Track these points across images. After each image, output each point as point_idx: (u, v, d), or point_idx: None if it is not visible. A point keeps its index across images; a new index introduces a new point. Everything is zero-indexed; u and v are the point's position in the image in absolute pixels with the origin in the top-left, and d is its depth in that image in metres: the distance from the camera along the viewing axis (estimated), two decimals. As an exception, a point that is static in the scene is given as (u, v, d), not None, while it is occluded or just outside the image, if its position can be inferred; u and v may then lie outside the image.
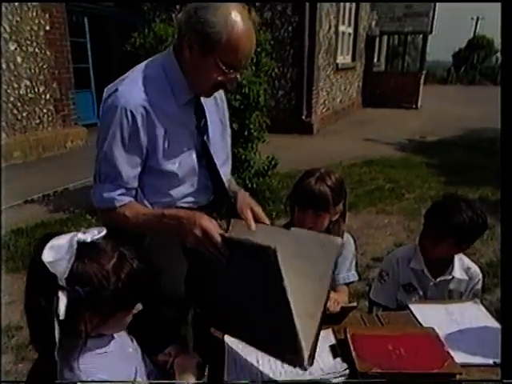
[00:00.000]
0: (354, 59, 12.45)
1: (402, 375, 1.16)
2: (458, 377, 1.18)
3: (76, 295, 0.96)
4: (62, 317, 0.94)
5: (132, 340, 1.21)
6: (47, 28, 6.86)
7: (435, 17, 13.80)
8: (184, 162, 1.39)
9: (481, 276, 1.83)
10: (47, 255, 0.95)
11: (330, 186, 1.64)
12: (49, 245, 0.96)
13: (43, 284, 0.97)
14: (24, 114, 6.71)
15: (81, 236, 1.00)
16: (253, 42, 1.29)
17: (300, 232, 1.32)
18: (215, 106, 1.51)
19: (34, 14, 6.64)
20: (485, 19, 39.68)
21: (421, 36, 14.58)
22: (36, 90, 6.84)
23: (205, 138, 1.44)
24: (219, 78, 1.30)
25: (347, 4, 11.15)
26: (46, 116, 7.08)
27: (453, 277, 1.78)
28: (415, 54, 21.12)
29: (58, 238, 0.98)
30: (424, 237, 1.80)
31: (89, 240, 1.00)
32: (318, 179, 1.64)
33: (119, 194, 1.34)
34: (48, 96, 7.06)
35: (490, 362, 1.27)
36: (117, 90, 1.30)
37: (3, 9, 6.06)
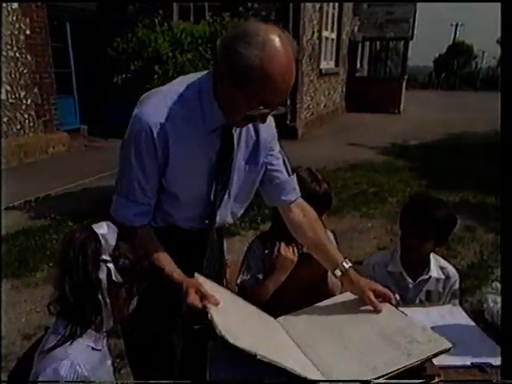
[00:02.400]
0: (337, 64, 12.57)
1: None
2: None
3: (119, 266, 1.12)
4: (105, 286, 1.10)
5: (110, 358, 1.25)
6: (28, 32, 6.78)
7: (416, 23, 14.09)
8: (191, 188, 1.37)
9: (457, 276, 1.87)
10: (99, 229, 1.12)
11: (325, 181, 1.68)
12: (103, 223, 1.15)
13: (89, 257, 1.09)
14: (5, 120, 6.61)
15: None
16: (290, 77, 1.18)
17: (415, 319, 1.40)
18: (253, 139, 1.43)
19: (15, 18, 6.56)
20: (464, 25, 40.57)
21: (402, 42, 14.82)
22: (17, 95, 6.75)
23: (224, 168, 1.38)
24: (249, 113, 1.23)
25: (330, 10, 11.28)
26: (27, 121, 6.99)
27: (430, 276, 1.80)
28: (397, 59, 21.46)
29: (106, 222, 1.18)
30: (408, 238, 1.79)
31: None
32: (315, 180, 1.66)
33: (134, 214, 1.33)
34: (29, 101, 6.97)
35: (468, 363, 1.29)
36: (146, 103, 1.29)
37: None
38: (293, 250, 1.65)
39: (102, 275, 1.08)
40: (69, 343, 1.07)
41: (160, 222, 1.41)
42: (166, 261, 1.33)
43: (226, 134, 1.35)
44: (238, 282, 1.71)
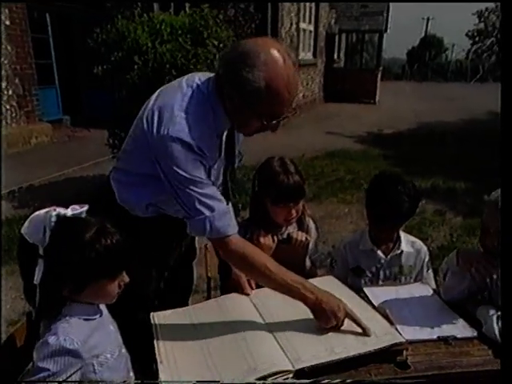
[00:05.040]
0: (315, 56, 12.76)
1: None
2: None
3: (52, 263, 1.03)
4: (36, 282, 1.03)
5: (113, 322, 1.26)
6: (7, 23, 6.72)
7: (389, 16, 14.42)
8: None
9: (425, 248, 1.92)
10: (26, 227, 1.04)
11: (297, 171, 1.72)
12: (29, 218, 1.06)
13: (26, 253, 1.06)
14: (-14, 111, 6.57)
15: (60, 210, 1.07)
16: (294, 88, 1.25)
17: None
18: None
19: (-7, 8, 6.51)
20: (435, 19, 41.36)
21: (377, 34, 15.12)
22: (-2, 85, 6.70)
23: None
24: (261, 127, 1.32)
25: (307, 3, 11.44)
26: (9, 112, 6.94)
27: (402, 251, 1.84)
28: (372, 51, 21.80)
29: (37, 212, 1.06)
30: (380, 227, 1.81)
31: (69, 214, 1.08)
32: (285, 172, 1.68)
33: (233, 221, 1.38)
34: (10, 92, 6.92)
35: (434, 337, 1.37)
36: (174, 121, 1.28)
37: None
38: (272, 236, 1.73)
39: (38, 271, 1.05)
40: (58, 321, 1.07)
41: (150, 213, 1.47)
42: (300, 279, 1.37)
43: (229, 136, 1.44)
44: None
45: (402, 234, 1.88)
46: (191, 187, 1.30)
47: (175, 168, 1.28)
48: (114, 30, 4.25)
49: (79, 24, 8.45)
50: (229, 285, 1.63)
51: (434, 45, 36.11)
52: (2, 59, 6.73)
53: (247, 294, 1.54)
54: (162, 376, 1.18)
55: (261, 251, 1.41)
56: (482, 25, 38.98)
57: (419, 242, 1.93)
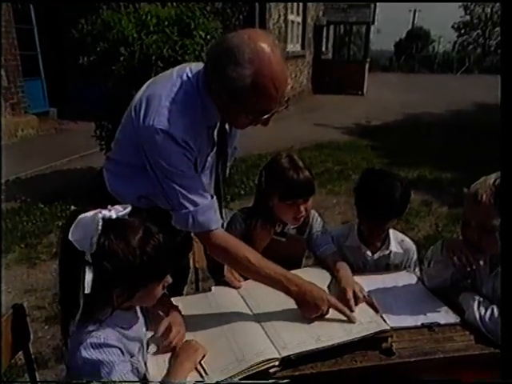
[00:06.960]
0: (303, 47, 12.78)
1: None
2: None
3: (103, 270, 0.99)
4: (87, 291, 0.97)
5: (145, 323, 1.24)
6: (-10, 14, 6.62)
7: (376, 8, 14.51)
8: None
9: (414, 247, 1.90)
10: (73, 233, 0.99)
11: (306, 167, 1.68)
12: (75, 223, 0.99)
13: (73, 260, 1.00)
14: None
15: (105, 213, 1.02)
16: (282, 82, 1.23)
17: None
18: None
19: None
20: (422, 11, 41.72)
21: (365, 26, 15.16)
22: (-18, 77, 6.60)
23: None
24: (251, 121, 1.32)
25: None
26: (-6, 104, 6.86)
27: (390, 251, 1.83)
28: (360, 43, 21.87)
29: (83, 215, 1.00)
30: (370, 224, 1.78)
31: (114, 216, 1.03)
32: (295, 168, 1.65)
33: (216, 215, 1.38)
34: (-5, 84, 6.84)
35: (419, 323, 1.39)
36: (159, 112, 1.26)
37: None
38: (269, 227, 1.73)
39: (87, 279, 0.99)
40: (94, 327, 1.04)
41: (142, 205, 1.44)
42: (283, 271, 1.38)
43: (220, 128, 1.43)
44: None
45: (391, 233, 1.86)
46: (174, 180, 1.30)
47: (159, 159, 1.28)
48: (99, 21, 4.21)
49: (66, 14, 8.29)
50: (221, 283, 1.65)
51: (421, 37, 36.46)
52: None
53: (237, 288, 1.56)
54: (150, 365, 1.18)
55: (244, 244, 1.42)
56: (467, 17, 39.40)
57: (408, 241, 1.91)
